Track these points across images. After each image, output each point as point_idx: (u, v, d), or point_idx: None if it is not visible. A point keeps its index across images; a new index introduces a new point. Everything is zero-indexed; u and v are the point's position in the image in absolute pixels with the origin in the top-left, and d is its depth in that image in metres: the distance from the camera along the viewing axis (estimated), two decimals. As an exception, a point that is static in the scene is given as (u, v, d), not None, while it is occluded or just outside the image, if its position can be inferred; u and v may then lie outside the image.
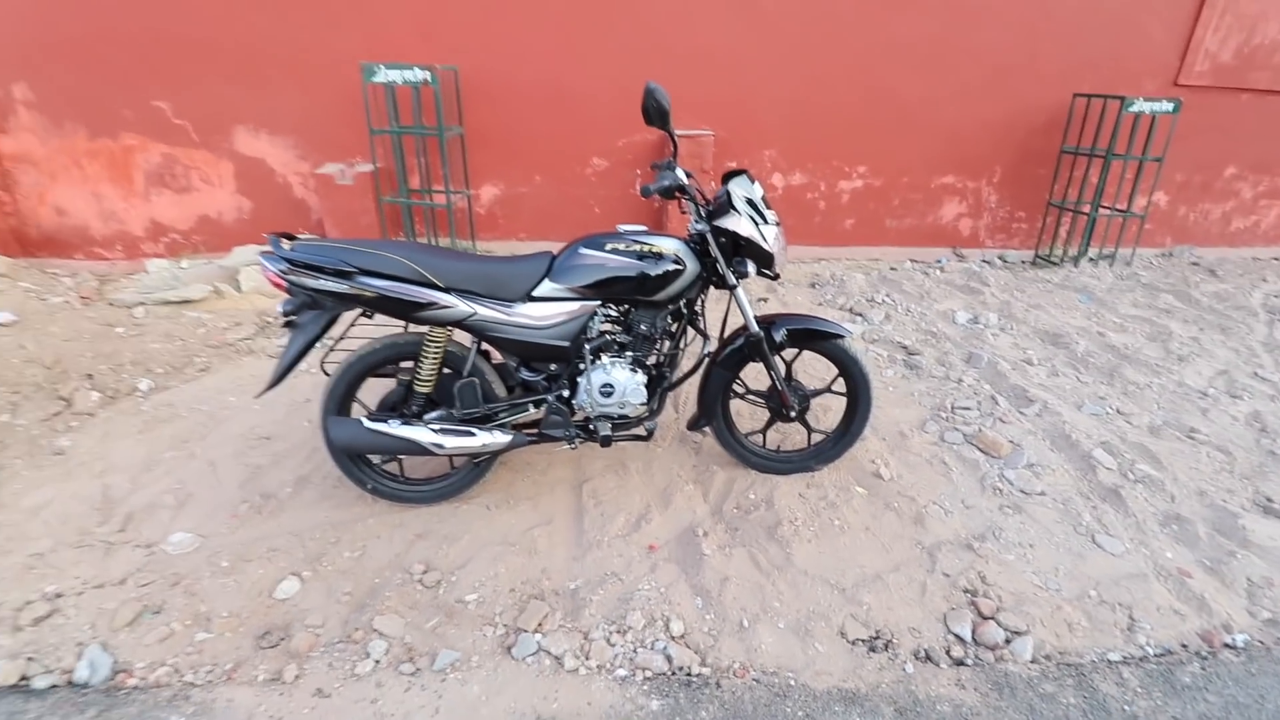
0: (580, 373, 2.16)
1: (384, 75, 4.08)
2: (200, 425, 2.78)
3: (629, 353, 2.17)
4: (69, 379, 3.07)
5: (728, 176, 2.16)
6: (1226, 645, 1.82)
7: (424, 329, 2.07)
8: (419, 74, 4.07)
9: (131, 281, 4.43)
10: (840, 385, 2.41)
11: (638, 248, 2.03)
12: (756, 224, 2.10)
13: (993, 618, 1.84)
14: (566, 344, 2.09)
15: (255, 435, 2.70)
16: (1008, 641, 1.78)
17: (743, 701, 1.60)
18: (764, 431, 2.55)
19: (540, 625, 1.79)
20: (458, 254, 2.11)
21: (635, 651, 1.72)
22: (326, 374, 2.14)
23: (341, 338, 2.14)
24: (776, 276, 2.24)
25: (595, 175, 4.94)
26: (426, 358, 2.06)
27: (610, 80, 4.62)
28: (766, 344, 2.25)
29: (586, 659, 1.70)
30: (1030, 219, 5.59)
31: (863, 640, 1.79)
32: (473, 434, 2.05)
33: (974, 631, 1.81)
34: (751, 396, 2.48)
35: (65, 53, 4.26)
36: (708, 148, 4.66)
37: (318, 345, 2.03)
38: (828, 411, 2.85)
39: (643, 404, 2.19)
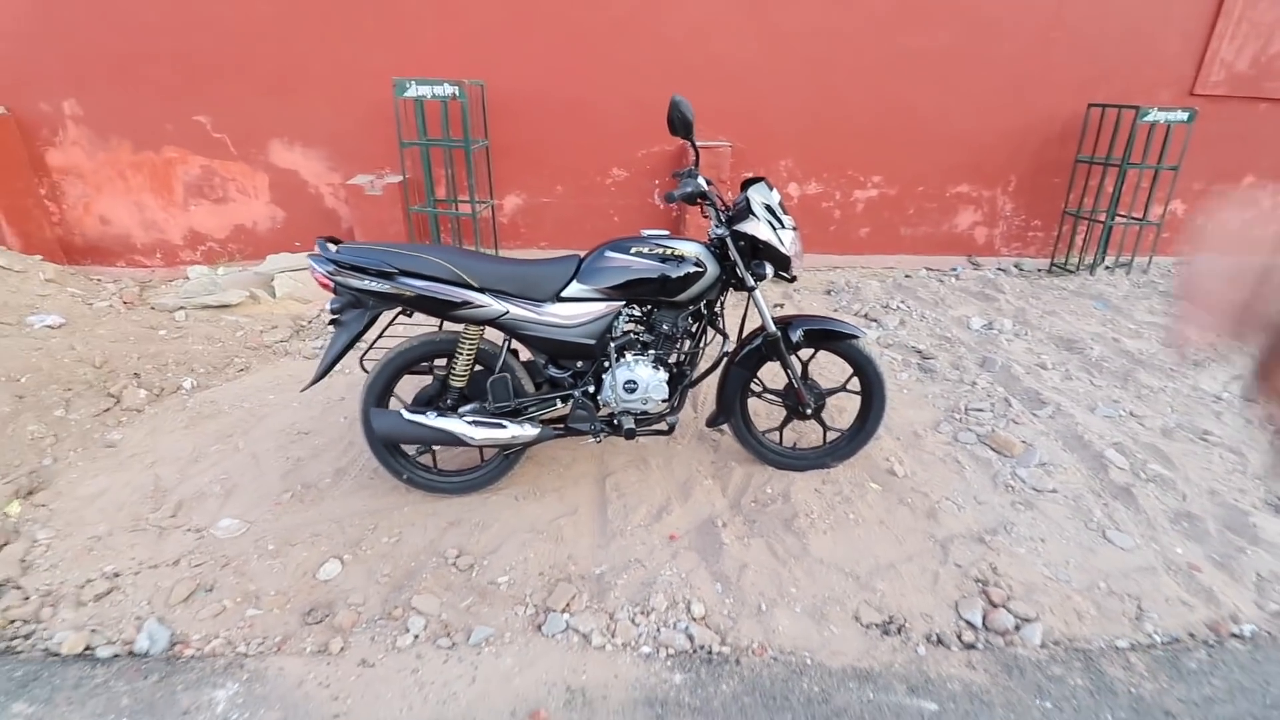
0: (605, 370, 2.27)
1: (415, 90, 4.26)
2: (242, 421, 2.93)
3: (652, 351, 2.28)
4: (117, 377, 3.24)
5: (746, 184, 2.27)
6: (1234, 635, 1.86)
7: (459, 327, 2.19)
8: (448, 89, 4.25)
9: (171, 288, 4.64)
10: (855, 384, 2.49)
11: (661, 251, 2.14)
12: (774, 228, 2.20)
13: (1003, 605, 1.91)
14: (593, 342, 2.20)
15: (295, 430, 2.84)
16: (1017, 628, 1.84)
17: (761, 677, 1.68)
18: (780, 429, 2.64)
19: (568, 606, 1.89)
20: (491, 257, 2.23)
21: (658, 631, 1.81)
22: (365, 370, 2.27)
23: (379, 337, 2.27)
24: (794, 279, 2.34)
25: (615, 185, 5.08)
26: (461, 354, 2.18)
27: (629, 94, 4.77)
28: (783, 344, 2.35)
29: (613, 637, 1.79)
30: (1046, 227, 5.63)
31: (876, 624, 1.86)
32: (504, 426, 2.16)
33: (985, 618, 1.87)
34: (769, 395, 2.57)
35: (113, 71, 4.50)
36: (725, 158, 4.78)
37: (359, 344, 2.17)
38: (843, 412, 2.93)
39: (664, 400, 2.30)
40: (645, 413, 2.33)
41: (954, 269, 5.42)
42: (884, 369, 2.44)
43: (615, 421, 2.32)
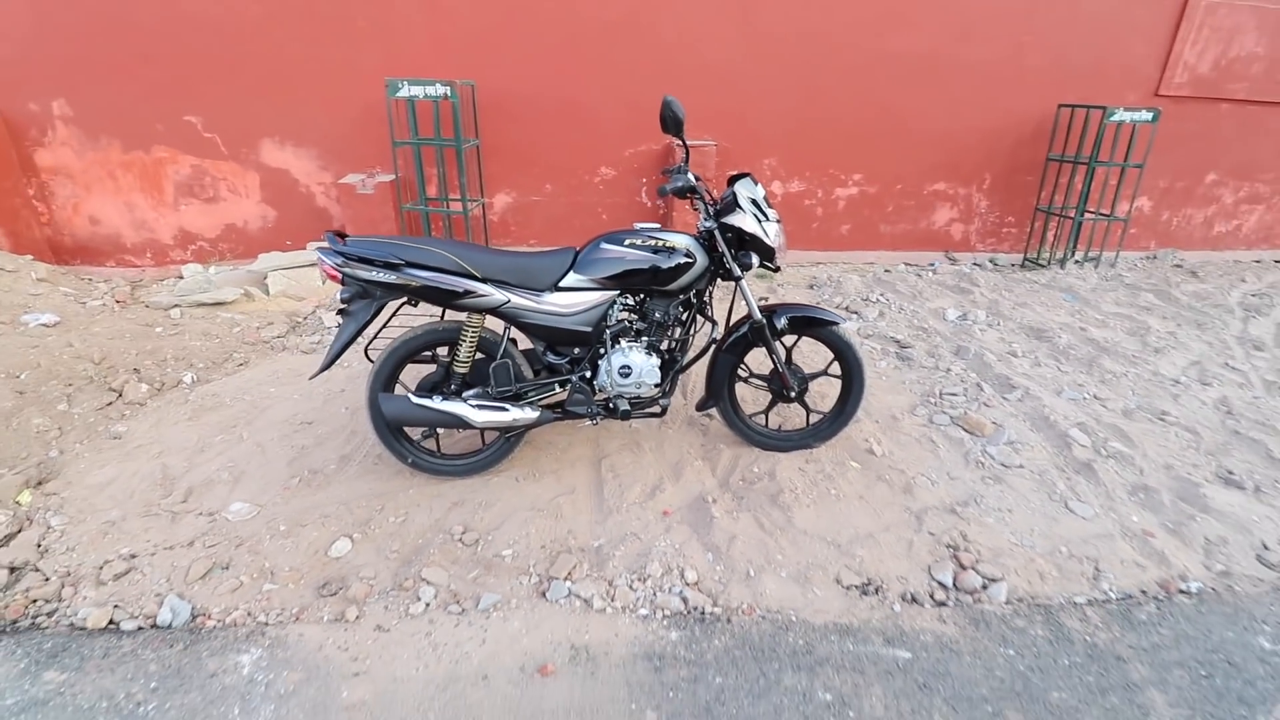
0: (601, 356, 2.40)
1: (407, 90, 4.35)
2: (245, 412, 3.01)
3: (645, 338, 2.41)
4: (117, 373, 3.30)
5: (733, 179, 2.41)
6: (1181, 591, 2.04)
7: (461, 317, 2.30)
8: (440, 89, 4.35)
9: (163, 286, 4.68)
10: (836, 369, 2.64)
11: (653, 243, 2.27)
12: (759, 221, 2.34)
13: (972, 568, 2.06)
14: (589, 329, 2.33)
15: (298, 420, 2.93)
16: (985, 587, 2.00)
17: (750, 633, 1.82)
18: (766, 413, 2.78)
19: (570, 574, 2.02)
20: (492, 249, 2.35)
21: (655, 595, 1.95)
22: (370, 360, 2.37)
23: (382, 328, 2.38)
24: (778, 269, 2.49)
25: (603, 184, 5.20)
26: (465, 341, 2.29)
27: (618, 94, 4.90)
28: (768, 330, 2.49)
29: (612, 601, 1.92)
30: (1019, 223, 5.84)
31: (856, 586, 2.01)
32: (505, 410, 2.28)
33: (955, 579, 2.03)
34: (755, 380, 2.71)
35: (103, 70, 4.53)
36: (710, 157, 4.92)
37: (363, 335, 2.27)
38: (824, 397, 3.08)
39: (657, 385, 2.43)
40: (639, 397, 2.46)
41: (931, 264, 5.61)
42: (863, 354, 2.59)
43: (610, 405, 2.45)
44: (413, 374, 2.50)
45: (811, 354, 3.42)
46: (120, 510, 2.36)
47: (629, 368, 2.36)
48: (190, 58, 4.55)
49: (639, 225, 2.32)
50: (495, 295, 2.20)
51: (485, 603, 1.91)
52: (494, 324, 2.37)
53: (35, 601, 1.97)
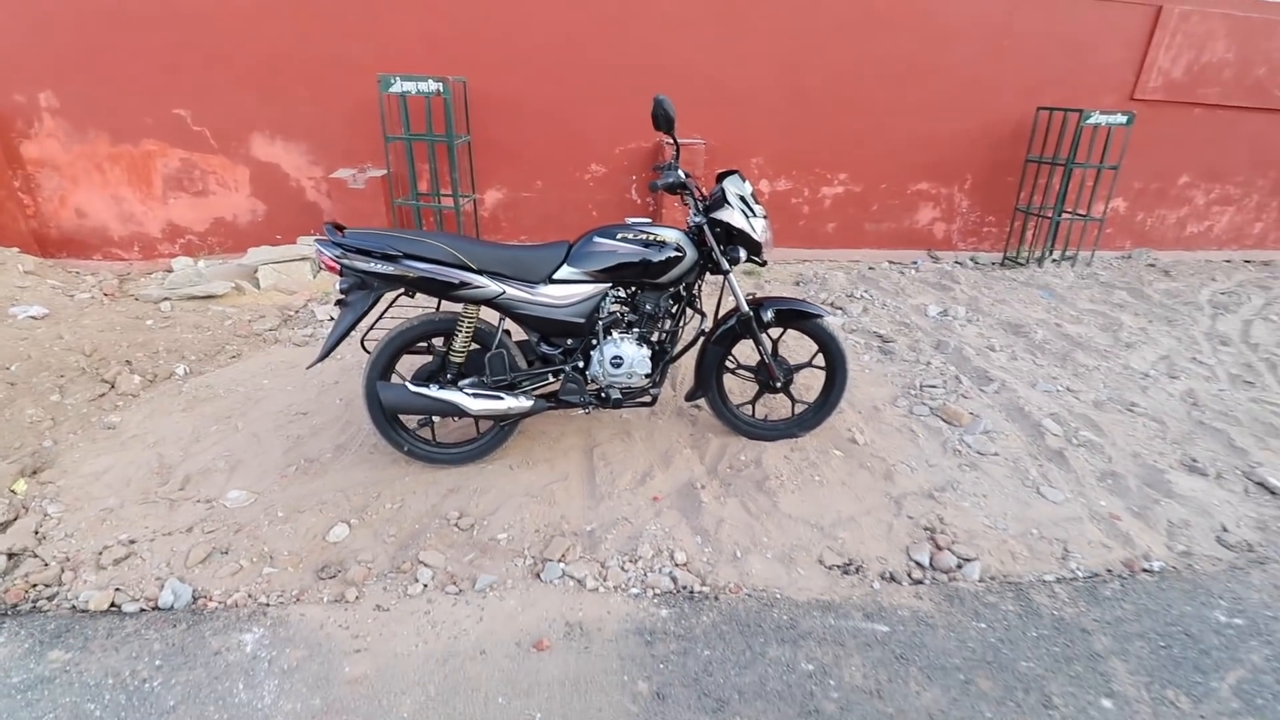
0: (593, 347, 2.47)
1: (400, 86, 4.39)
2: (239, 403, 3.05)
3: (636, 329, 2.49)
4: (109, 365, 3.32)
5: (722, 176, 2.49)
6: (1144, 570, 2.15)
7: (457, 308, 2.36)
8: (432, 85, 4.38)
9: (153, 279, 4.68)
10: (820, 360, 2.73)
11: (644, 237, 2.35)
12: (747, 217, 2.43)
13: (948, 548, 2.16)
14: (582, 321, 2.40)
15: (292, 411, 2.97)
16: (959, 566, 2.10)
17: (737, 610, 1.90)
18: (753, 403, 2.86)
19: (563, 556, 2.09)
20: (488, 242, 2.41)
21: (645, 575, 2.02)
22: (367, 350, 2.42)
23: (379, 320, 2.43)
24: (764, 263, 2.57)
25: (593, 180, 5.27)
26: (461, 332, 2.35)
27: (608, 92, 4.96)
28: (755, 322, 2.57)
29: (604, 581, 2.00)
30: (999, 223, 5.99)
31: (837, 566, 2.10)
32: (500, 398, 2.35)
33: (931, 559, 2.13)
34: (742, 371, 2.79)
35: (91, 62, 4.51)
36: (699, 155, 5.00)
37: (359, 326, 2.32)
38: (809, 389, 3.17)
39: (647, 375, 2.50)
40: (630, 386, 2.53)
41: (914, 262, 5.73)
42: (847, 347, 2.68)
43: (602, 394, 2.52)
44: (407, 365, 2.56)
45: (797, 346, 3.51)
46: (117, 498, 2.39)
47: (621, 358, 2.43)
48: (180, 50, 4.54)
49: (630, 220, 2.39)
50: (491, 287, 2.26)
51: (482, 583, 1.97)
52: (489, 315, 2.43)
53: (35, 586, 2.01)
